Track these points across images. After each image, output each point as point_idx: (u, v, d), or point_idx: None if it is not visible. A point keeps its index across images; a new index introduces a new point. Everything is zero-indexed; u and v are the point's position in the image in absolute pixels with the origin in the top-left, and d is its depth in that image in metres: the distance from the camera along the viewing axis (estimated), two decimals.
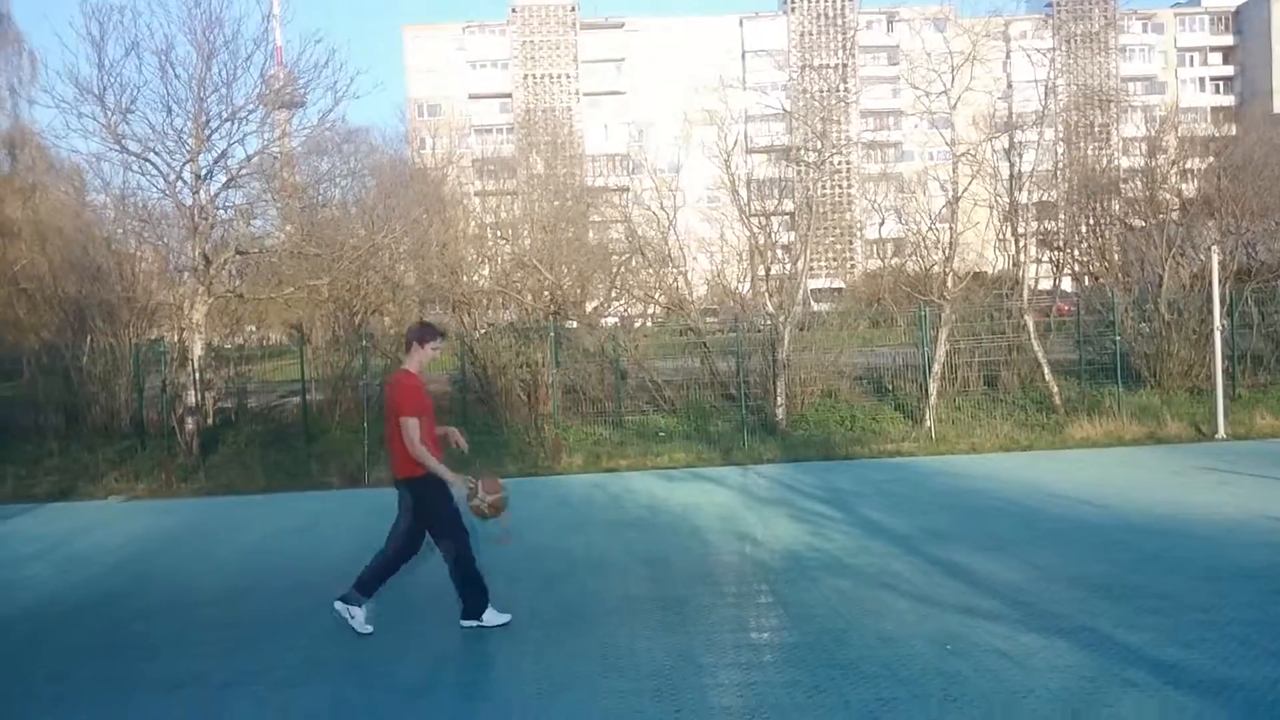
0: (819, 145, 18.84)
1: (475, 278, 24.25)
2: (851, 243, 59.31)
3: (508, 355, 16.44)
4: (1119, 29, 67.56)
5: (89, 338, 16.73)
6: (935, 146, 22.97)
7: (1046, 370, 15.55)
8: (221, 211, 15.93)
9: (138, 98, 14.61)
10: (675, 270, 18.90)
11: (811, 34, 66.31)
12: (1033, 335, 15.80)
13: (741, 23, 67.11)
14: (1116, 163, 41.39)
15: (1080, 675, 4.85)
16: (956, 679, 4.84)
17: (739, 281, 20.23)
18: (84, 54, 15.95)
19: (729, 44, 64.21)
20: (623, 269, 21.87)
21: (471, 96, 64.69)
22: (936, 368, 14.76)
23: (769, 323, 16.22)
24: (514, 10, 66.03)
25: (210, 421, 15.54)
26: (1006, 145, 18.89)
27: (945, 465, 12.33)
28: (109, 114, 14.32)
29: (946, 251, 15.98)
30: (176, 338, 17.03)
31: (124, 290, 18.21)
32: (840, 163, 53.16)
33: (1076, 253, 35.16)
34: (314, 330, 19.95)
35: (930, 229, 18.10)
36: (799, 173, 23.09)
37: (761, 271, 18.17)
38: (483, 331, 19.06)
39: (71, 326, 17.93)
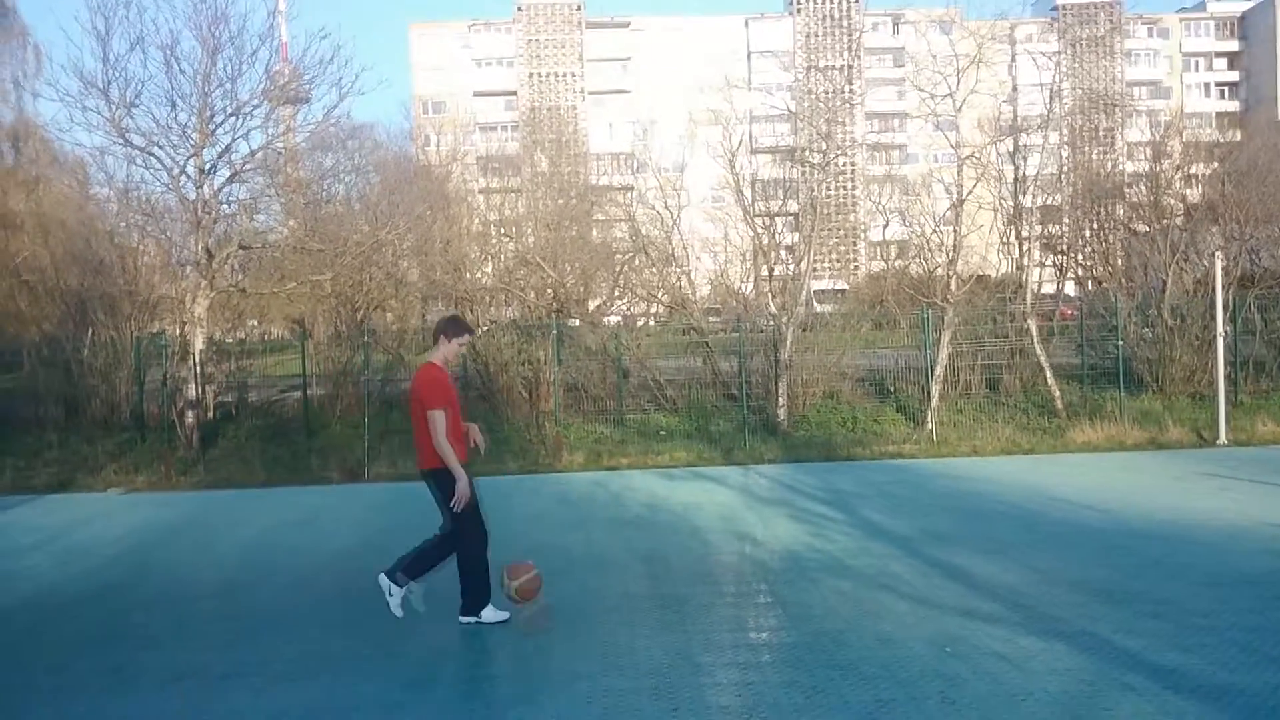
0: (823, 146, 18.80)
1: (478, 275, 24.26)
2: (855, 244, 59.32)
3: (510, 352, 16.45)
4: (1124, 33, 67.55)
5: (90, 330, 16.76)
6: (940, 149, 22.94)
7: (1049, 374, 15.54)
8: (225, 206, 15.97)
9: (142, 92, 14.73)
10: (678, 270, 18.92)
11: (817, 35, 66.36)
12: (1035, 339, 15.80)
13: (747, 23, 67.17)
14: (1121, 167, 41.43)
15: (1079, 679, 4.84)
16: (955, 681, 4.83)
17: (742, 281, 20.24)
18: (89, 48, 16.04)
19: (734, 44, 64.31)
20: (626, 268, 21.88)
21: (476, 94, 64.71)
22: (939, 370, 14.75)
23: (772, 323, 16.24)
24: (520, 9, 66.12)
25: (211, 415, 15.56)
26: (1011, 149, 18.85)
27: (946, 468, 12.32)
28: (113, 108, 14.36)
29: (950, 254, 15.95)
30: (178, 331, 17.07)
31: (126, 283, 18.23)
32: (845, 164, 53.03)
33: (1080, 257, 35.18)
34: (316, 325, 19.96)
35: (934, 232, 18.10)
36: (803, 174, 23.12)
37: (765, 272, 18.19)
38: (485, 329, 19.05)
39: (73, 319, 17.96)
